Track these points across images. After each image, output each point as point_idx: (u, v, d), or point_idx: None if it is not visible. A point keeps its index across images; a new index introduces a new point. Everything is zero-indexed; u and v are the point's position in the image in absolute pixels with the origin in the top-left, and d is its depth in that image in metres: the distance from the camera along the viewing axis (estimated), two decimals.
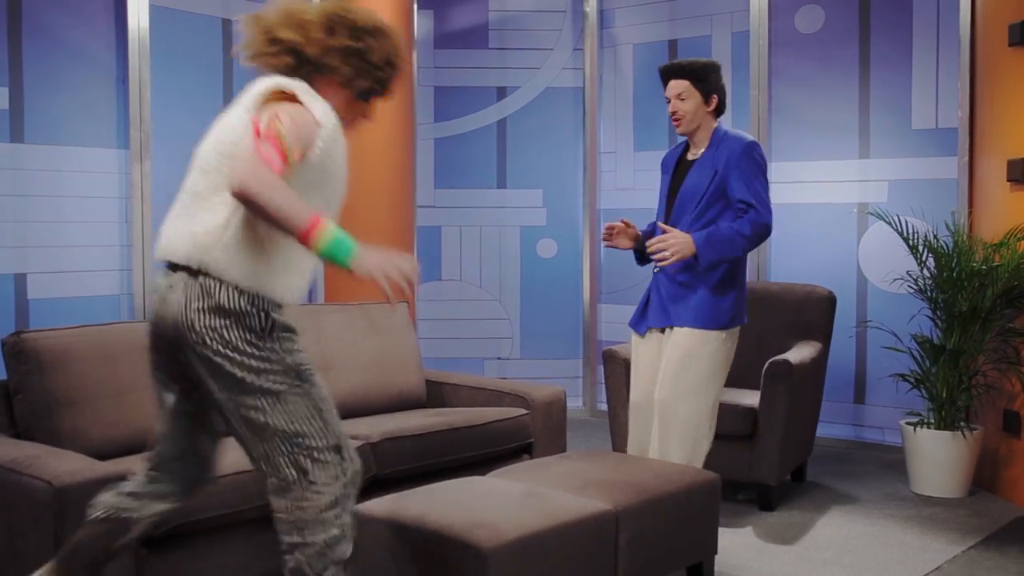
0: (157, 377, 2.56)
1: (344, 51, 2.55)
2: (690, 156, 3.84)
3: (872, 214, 5.00)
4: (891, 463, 5.15)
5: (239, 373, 2.35)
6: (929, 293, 4.68)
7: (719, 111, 3.82)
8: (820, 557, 3.81)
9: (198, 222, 2.42)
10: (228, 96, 5.29)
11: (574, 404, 6.42)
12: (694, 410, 3.68)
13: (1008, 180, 4.54)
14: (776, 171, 5.52)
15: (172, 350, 2.43)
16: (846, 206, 5.57)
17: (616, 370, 4.75)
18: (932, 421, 4.66)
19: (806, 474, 4.93)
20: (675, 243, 3.59)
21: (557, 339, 6.67)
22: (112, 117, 4.78)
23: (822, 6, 5.68)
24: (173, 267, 2.45)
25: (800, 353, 4.58)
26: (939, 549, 3.88)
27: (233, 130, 2.50)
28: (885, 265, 5.36)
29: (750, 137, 3.77)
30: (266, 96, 2.48)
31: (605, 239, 3.92)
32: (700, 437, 3.71)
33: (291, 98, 2.45)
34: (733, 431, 4.48)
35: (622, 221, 3.88)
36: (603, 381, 4.94)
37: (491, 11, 6.60)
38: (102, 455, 3.32)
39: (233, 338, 2.35)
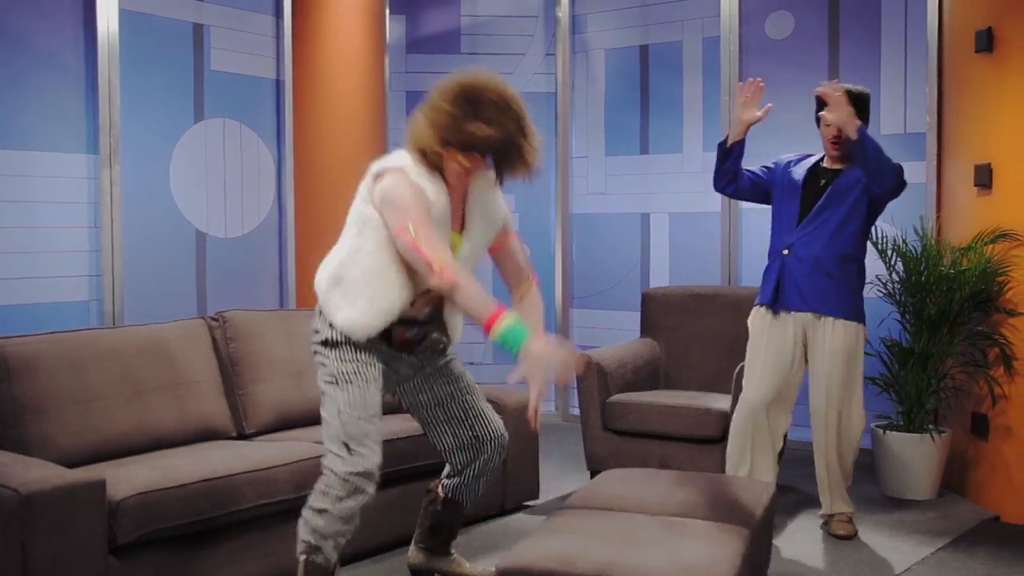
0: None
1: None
2: (830, 165, 4.09)
3: None
4: (861, 466, 5.17)
5: None
6: (898, 297, 4.73)
7: None
8: (791, 560, 3.83)
9: (328, 259, 3.20)
10: (198, 100, 5.27)
11: (547, 409, 6.42)
12: (858, 404, 4.05)
13: (975, 185, 4.58)
14: None
15: None
16: None
17: (588, 374, 4.76)
18: (901, 424, 4.71)
19: (778, 477, 4.96)
20: (843, 99, 3.86)
21: None
22: (81, 122, 4.74)
23: (792, 12, 5.73)
24: None
25: None
26: (908, 551, 3.91)
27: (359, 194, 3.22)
28: None
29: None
30: None
31: (748, 92, 4.10)
32: (860, 427, 4.10)
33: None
34: (705, 435, 4.50)
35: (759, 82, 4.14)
36: (575, 386, 4.95)
37: (463, 16, 6.60)
38: (71, 463, 3.29)
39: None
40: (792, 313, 4.02)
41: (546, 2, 6.58)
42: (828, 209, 3.99)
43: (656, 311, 5.34)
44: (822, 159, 4.14)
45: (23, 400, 3.35)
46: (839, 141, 4.01)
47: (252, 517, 3.36)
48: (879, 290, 4.85)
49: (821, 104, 4.05)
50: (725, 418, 4.45)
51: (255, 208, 5.57)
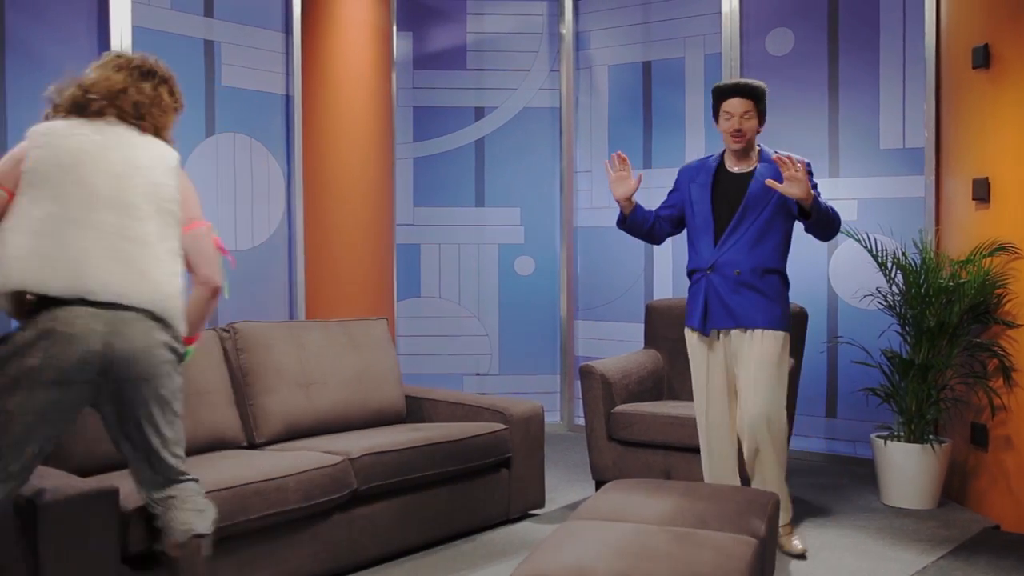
0: (74, 401, 2.74)
1: None
2: (736, 169, 4.02)
3: (842, 232, 5.08)
4: (862, 475, 5.23)
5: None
6: (898, 309, 4.77)
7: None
8: (793, 568, 3.87)
9: (156, 270, 2.78)
10: (209, 115, 5.35)
11: (552, 419, 6.47)
12: (783, 410, 3.97)
13: (973, 198, 4.64)
14: None
15: (112, 377, 2.72)
16: None
17: (593, 384, 4.82)
18: (902, 434, 4.75)
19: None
20: (802, 175, 3.78)
21: (535, 355, 6.73)
22: None
23: (792, 29, 5.80)
24: (119, 307, 2.71)
25: None
26: (909, 560, 3.95)
27: (167, 188, 2.87)
28: (855, 282, 5.46)
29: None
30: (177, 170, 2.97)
31: (616, 168, 4.13)
32: (786, 433, 4.05)
33: None
34: None
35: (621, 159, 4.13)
36: (580, 396, 5.00)
37: (469, 33, 6.68)
38: (84, 471, 3.34)
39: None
40: (722, 331, 4.02)
41: (550, 19, 6.66)
42: (744, 222, 3.96)
43: (659, 323, 5.39)
44: (722, 160, 4.09)
45: None
46: (740, 134, 3.96)
47: (262, 527, 3.40)
48: (879, 302, 4.90)
49: (725, 97, 4.00)
50: None
51: (265, 221, 5.64)
